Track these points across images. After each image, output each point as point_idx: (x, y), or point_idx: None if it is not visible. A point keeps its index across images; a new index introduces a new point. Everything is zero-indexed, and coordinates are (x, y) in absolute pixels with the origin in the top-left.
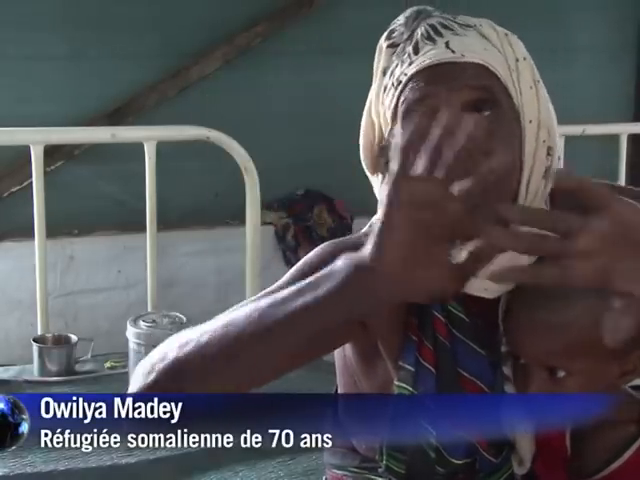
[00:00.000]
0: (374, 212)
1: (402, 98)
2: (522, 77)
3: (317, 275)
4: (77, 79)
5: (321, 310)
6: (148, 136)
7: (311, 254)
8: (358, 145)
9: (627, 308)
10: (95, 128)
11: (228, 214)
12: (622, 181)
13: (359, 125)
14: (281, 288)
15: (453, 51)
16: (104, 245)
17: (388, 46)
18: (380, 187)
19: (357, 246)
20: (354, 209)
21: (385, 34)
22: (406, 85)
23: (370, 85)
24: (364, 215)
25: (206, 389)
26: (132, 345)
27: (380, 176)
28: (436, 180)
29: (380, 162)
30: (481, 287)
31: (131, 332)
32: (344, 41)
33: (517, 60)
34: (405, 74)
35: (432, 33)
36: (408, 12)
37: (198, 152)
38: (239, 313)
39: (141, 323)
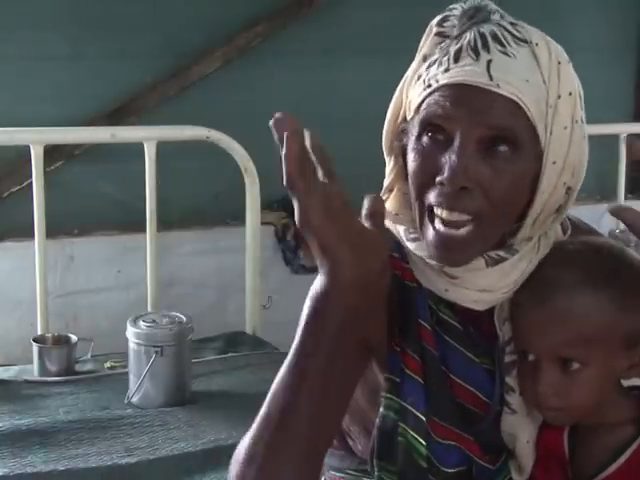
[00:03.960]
0: None
1: (425, 104)
2: (558, 116)
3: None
4: (77, 79)
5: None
6: (148, 136)
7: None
8: (358, 145)
9: None
10: (95, 128)
11: (228, 214)
12: (622, 181)
13: (359, 125)
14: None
15: (491, 77)
16: (104, 245)
17: (437, 34)
18: (389, 170)
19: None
20: (354, 209)
21: (439, 18)
22: (434, 92)
23: (371, 85)
24: None
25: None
26: (132, 345)
27: (392, 160)
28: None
29: (395, 145)
30: (472, 299)
31: (131, 332)
32: (344, 41)
33: (559, 97)
34: (437, 80)
35: (479, 45)
36: (467, 5)
37: (198, 152)
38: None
39: (141, 323)
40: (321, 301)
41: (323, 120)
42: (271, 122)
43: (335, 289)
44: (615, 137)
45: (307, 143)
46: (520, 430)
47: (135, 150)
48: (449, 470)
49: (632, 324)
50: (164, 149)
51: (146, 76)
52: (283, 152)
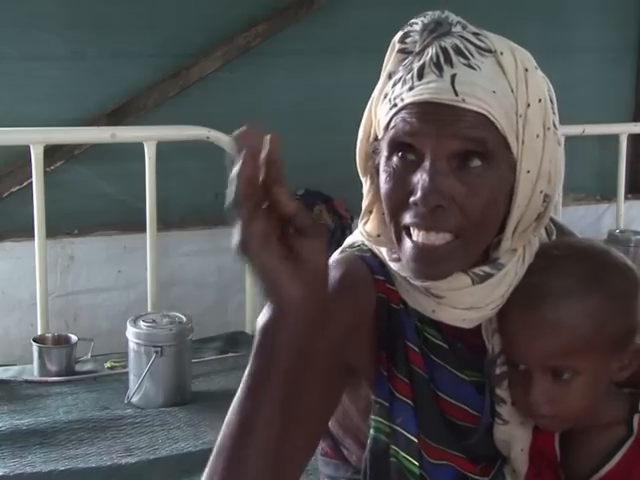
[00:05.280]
0: None
1: (392, 123)
2: (529, 125)
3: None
4: (77, 79)
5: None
6: (148, 136)
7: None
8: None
9: None
10: (95, 128)
11: (228, 214)
12: (622, 181)
13: (359, 125)
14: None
15: (456, 92)
16: (104, 245)
17: (399, 50)
18: (366, 191)
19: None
20: (354, 209)
21: (400, 34)
22: (400, 111)
23: (370, 85)
24: None
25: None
26: (132, 345)
27: (368, 180)
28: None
29: (369, 165)
30: (460, 318)
31: (131, 332)
32: (344, 41)
33: (528, 105)
34: (402, 99)
35: (442, 60)
36: (427, 19)
37: (198, 152)
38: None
39: (141, 323)
40: (268, 333)
41: (323, 120)
42: (236, 133)
43: (282, 320)
44: (615, 137)
45: (264, 154)
46: (514, 439)
47: (135, 150)
48: None
49: (620, 326)
50: (164, 149)
51: (146, 76)
52: (236, 169)
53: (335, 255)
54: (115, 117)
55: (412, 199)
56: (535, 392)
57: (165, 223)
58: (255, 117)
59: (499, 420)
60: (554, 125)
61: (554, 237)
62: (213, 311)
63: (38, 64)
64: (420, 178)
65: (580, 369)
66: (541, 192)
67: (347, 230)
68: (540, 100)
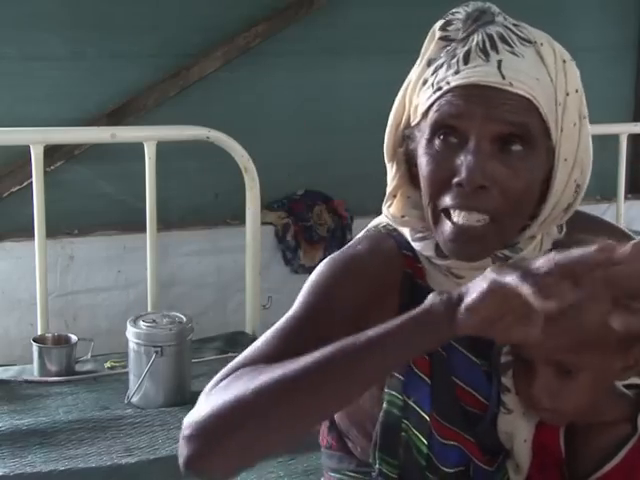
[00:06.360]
0: (373, 212)
1: (436, 106)
2: (568, 113)
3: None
4: (77, 79)
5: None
6: (148, 136)
7: (321, 276)
8: (358, 145)
9: None
10: (95, 128)
11: (228, 214)
12: (622, 181)
13: (359, 125)
14: (300, 319)
15: (503, 76)
16: (104, 245)
17: (441, 38)
18: (391, 176)
19: (362, 260)
20: (354, 209)
21: (441, 22)
22: (445, 94)
23: (370, 85)
24: (364, 215)
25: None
26: (132, 345)
27: (395, 166)
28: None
29: (398, 151)
30: None
31: (131, 332)
32: (344, 41)
33: (567, 94)
34: (448, 82)
35: (488, 46)
36: (470, 7)
37: (198, 152)
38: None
39: (141, 323)
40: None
41: (323, 120)
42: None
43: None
44: (615, 137)
45: None
46: (517, 429)
47: (135, 150)
48: (448, 470)
49: None
50: (164, 149)
51: (146, 76)
52: None
53: (361, 233)
54: (115, 117)
55: (456, 179)
56: (537, 386)
57: (165, 223)
58: (255, 117)
59: (503, 409)
60: (586, 117)
61: (564, 231)
62: (213, 311)
63: (38, 64)
64: (464, 159)
65: (583, 365)
66: (575, 181)
67: (347, 230)
68: (577, 90)
